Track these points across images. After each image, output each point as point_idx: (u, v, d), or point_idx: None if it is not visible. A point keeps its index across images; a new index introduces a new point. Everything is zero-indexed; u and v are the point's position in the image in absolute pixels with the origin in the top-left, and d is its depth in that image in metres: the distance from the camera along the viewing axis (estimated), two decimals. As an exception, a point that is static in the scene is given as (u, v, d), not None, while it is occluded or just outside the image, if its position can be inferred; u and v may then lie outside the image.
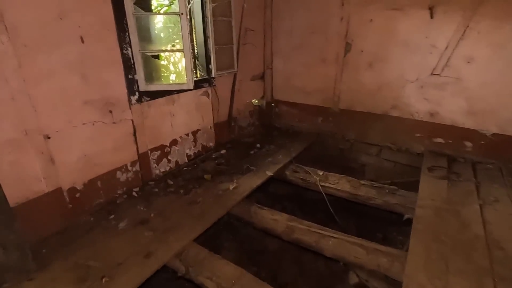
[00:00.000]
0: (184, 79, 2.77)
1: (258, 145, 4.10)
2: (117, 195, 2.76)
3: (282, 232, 2.56)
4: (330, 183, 3.16)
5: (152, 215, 2.51)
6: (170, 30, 4.22)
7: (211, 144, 3.83)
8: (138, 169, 2.92)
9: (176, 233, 2.28)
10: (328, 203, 3.13)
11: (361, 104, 4.03)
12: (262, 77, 4.67)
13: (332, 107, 4.29)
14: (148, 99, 2.83)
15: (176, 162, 3.34)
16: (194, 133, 3.52)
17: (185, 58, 2.65)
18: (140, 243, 2.18)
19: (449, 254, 2.04)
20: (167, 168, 3.24)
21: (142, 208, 2.60)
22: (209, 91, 3.59)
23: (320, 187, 3.16)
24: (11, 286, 1.83)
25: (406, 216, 2.72)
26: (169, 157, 3.22)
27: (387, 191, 2.95)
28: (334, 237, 2.36)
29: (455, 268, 1.93)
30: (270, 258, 3.64)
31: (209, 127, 3.73)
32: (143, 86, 2.67)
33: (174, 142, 3.26)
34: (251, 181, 3.07)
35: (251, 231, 3.30)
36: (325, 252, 2.35)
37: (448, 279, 1.85)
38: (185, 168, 3.37)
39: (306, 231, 2.47)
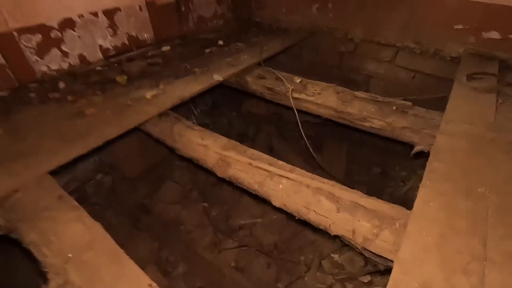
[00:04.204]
0: None
1: (220, 43, 2.88)
2: (-33, 101, 1.79)
3: (214, 166, 1.61)
4: (307, 95, 2.06)
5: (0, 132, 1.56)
6: None
7: (146, 36, 2.63)
8: (4, 62, 1.86)
9: (18, 163, 1.36)
10: (301, 127, 2.10)
11: (378, -23, 2.58)
12: None
13: (334, -13, 2.85)
14: None
15: (82, 57, 2.24)
16: (109, 13, 2.30)
17: None
18: None
19: (493, 222, 1.07)
20: (65, 66, 2.16)
21: (-7, 122, 1.65)
22: None
23: (291, 100, 2.07)
24: None
25: (417, 148, 1.68)
26: (63, 48, 2.11)
27: (394, 108, 1.85)
28: (288, 178, 1.40)
29: (504, 251, 0.98)
30: (229, 193, 2.86)
31: (137, 7, 2.47)
32: None
33: (68, 23, 2.08)
34: (185, 88, 2.00)
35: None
36: (273, 200, 1.43)
37: (486, 271, 0.92)
38: (98, 68, 2.28)
39: (246, 167, 1.50)
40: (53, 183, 1.31)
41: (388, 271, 2.13)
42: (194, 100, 3.47)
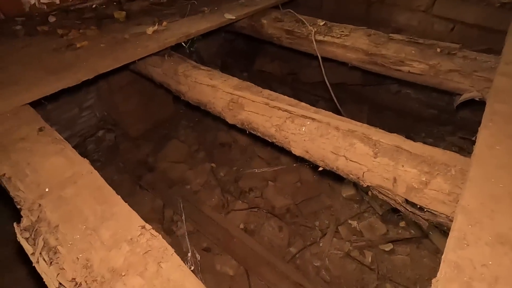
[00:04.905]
0: None
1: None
2: None
3: (224, 110, 1.38)
4: (333, 37, 1.77)
5: (-22, 61, 1.35)
6: None
7: (149, -26, 2.32)
8: (-15, -11, 1.62)
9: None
10: (325, 75, 1.81)
11: None
12: None
13: None
14: None
15: (77, -8, 1.97)
16: None
17: None
18: None
19: None
20: (57, 0, 1.90)
21: (-28, 51, 1.43)
22: None
23: (314, 44, 1.78)
24: None
25: (468, 95, 1.41)
26: (55, -22, 1.84)
27: (438, 50, 1.55)
28: (312, 119, 1.16)
29: None
30: (238, 155, 2.66)
31: None
32: None
33: None
34: (192, 25, 1.73)
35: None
36: (293, 146, 1.21)
37: None
38: (95, 6, 2.02)
39: (262, 108, 1.27)
40: (34, 115, 1.11)
41: (411, 238, 1.94)
42: (202, 60, 3.20)
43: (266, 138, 1.32)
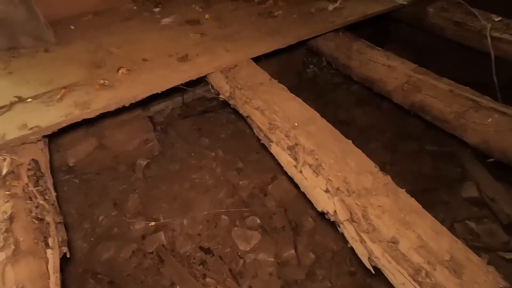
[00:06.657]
0: None
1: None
2: (172, -12, 2.01)
3: (396, 89, 1.53)
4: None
5: (207, 16, 1.73)
6: None
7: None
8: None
9: (230, 44, 1.50)
10: (495, 75, 1.78)
11: None
12: None
13: None
14: None
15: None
16: None
17: None
18: (179, 43, 1.51)
19: None
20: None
21: (197, 8, 1.83)
22: None
23: (489, 39, 1.76)
24: (26, 52, 1.47)
25: None
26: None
27: None
28: (503, 112, 1.24)
29: None
30: (356, 130, 2.79)
31: None
32: None
33: None
34: (367, 6, 1.87)
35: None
36: (470, 134, 1.31)
37: None
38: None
39: (444, 93, 1.38)
40: (258, 68, 1.42)
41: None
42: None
43: (435, 123, 1.43)
